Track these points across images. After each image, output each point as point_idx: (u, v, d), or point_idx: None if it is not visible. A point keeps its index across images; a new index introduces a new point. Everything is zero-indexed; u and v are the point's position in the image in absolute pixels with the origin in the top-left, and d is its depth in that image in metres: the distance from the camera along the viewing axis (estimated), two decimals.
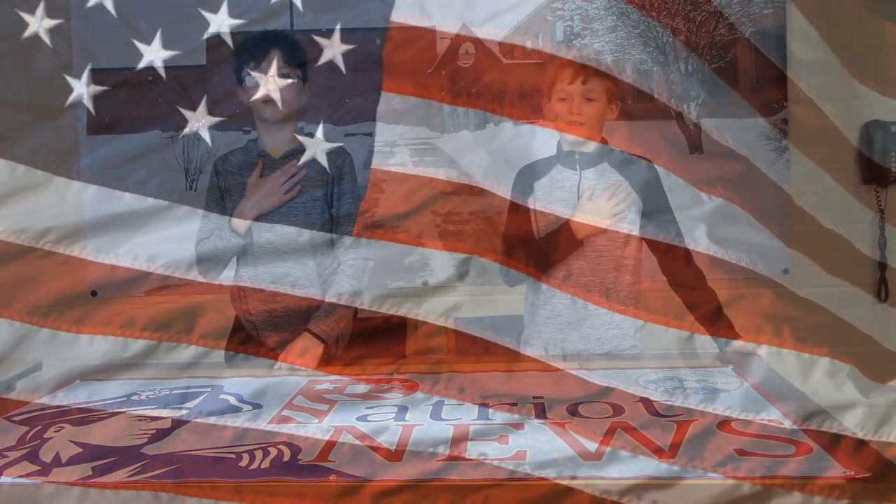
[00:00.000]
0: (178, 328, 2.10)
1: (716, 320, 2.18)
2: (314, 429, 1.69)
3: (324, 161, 2.23)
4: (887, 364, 2.06)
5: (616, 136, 2.33)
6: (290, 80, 2.22)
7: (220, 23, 2.06)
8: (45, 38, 2.01)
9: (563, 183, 2.28)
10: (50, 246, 2.11)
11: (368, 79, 2.27)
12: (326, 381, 2.05)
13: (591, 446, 1.55)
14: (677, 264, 2.23)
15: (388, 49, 2.26)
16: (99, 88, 2.09)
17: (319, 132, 2.21)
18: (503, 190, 2.33)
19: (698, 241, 2.22)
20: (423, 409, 1.80)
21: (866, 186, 2.90)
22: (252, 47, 2.20)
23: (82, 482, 1.47)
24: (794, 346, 2.10)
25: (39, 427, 1.76)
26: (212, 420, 1.77)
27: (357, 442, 1.60)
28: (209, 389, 2.00)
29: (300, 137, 2.24)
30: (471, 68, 2.89)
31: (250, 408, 1.86)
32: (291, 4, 2.23)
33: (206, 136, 2.15)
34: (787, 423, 1.64)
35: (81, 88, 2.09)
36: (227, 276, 2.37)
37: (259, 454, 1.56)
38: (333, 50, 2.09)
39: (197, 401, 1.92)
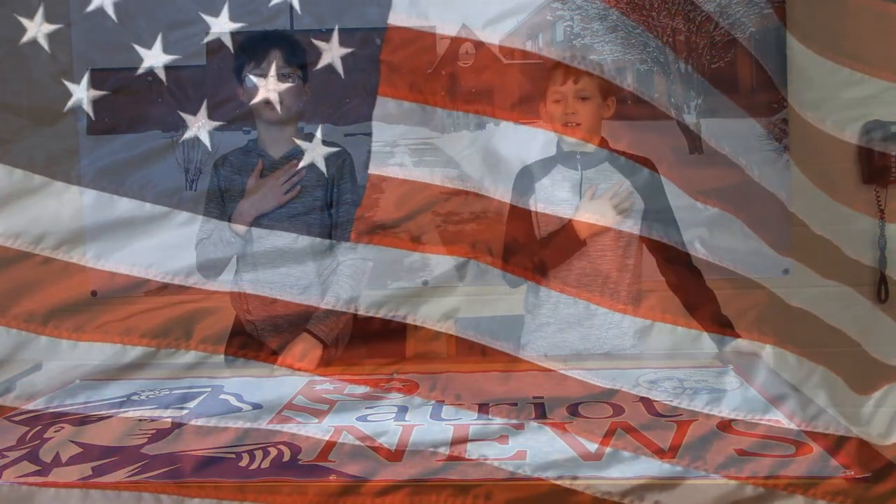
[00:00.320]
0: (176, 334, 2.10)
1: (715, 320, 2.18)
2: (314, 429, 1.69)
3: (322, 166, 2.23)
4: (882, 366, 2.07)
5: (616, 136, 2.33)
6: (290, 81, 2.22)
7: (221, 26, 2.06)
8: (44, 44, 2.01)
9: (565, 183, 2.28)
10: (49, 252, 2.11)
11: (368, 80, 2.27)
12: (326, 382, 2.05)
13: (592, 447, 1.55)
14: (676, 265, 2.23)
15: (386, 51, 2.26)
16: (98, 93, 2.09)
17: (317, 136, 2.21)
18: (503, 190, 2.33)
19: (696, 248, 2.22)
20: (423, 410, 1.80)
21: (866, 186, 2.89)
22: (253, 48, 2.20)
23: (82, 482, 1.47)
24: (793, 346, 2.10)
25: (39, 427, 1.76)
26: (212, 420, 1.76)
27: (357, 442, 1.60)
28: (209, 390, 2.00)
29: (298, 142, 2.24)
30: (471, 68, 2.89)
31: (250, 408, 1.86)
32: (291, 8, 2.22)
33: (206, 140, 2.15)
34: (788, 424, 1.64)
35: (81, 93, 2.09)
36: (227, 277, 2.37)
37: (259, 454, 1.56)
38: (332, 53, 2.09)
39: (197, 401, 1.92)
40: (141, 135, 2.69)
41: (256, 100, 2.20)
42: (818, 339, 2.15)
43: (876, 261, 2.85)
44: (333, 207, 2.31)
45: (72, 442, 1.65)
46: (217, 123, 2.14)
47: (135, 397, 1.96)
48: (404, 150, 2.86)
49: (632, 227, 2.26)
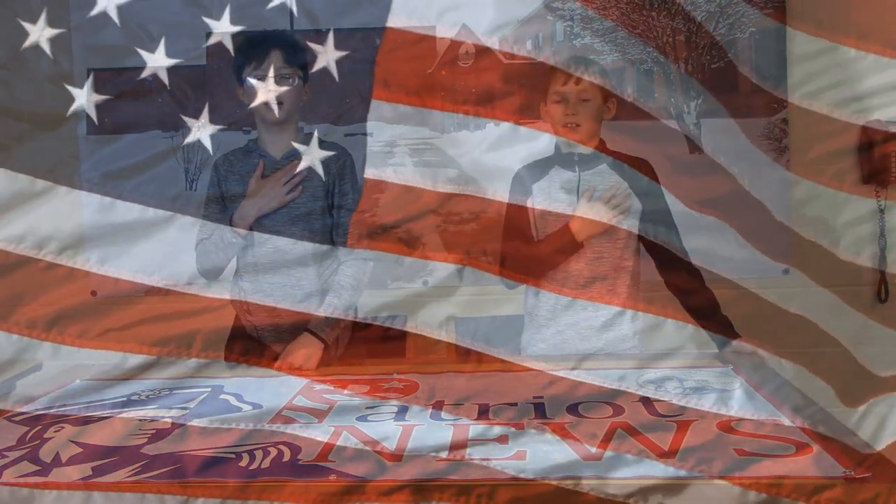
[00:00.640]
0: (178, 342, 2.11)
1: (715, 320, 2.18)
2: (314, 429, 1.69)
3: (319, 170, 2.23)
4: (872, 377, 2.07)
5: (615, 136, 2.33)
6: (290, 81, 2.22)
7: (223, 30, 2.06)
8: (46, 48, 2.02)
9: (563, 184, 2.28)
10: (52, 257, 2.11)
11: (365, 81, 2.27)
12: (326, 382, 2.05)
13: (591, 447, 1.55)
14: (675, 266, 2.23)
15: (381, 55, 2.26)
16: (101, 97, 2.10)
17: (314, 140, 2.20)
18: (502, 190, 2.33)
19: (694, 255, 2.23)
20: (423, 410, 1.80)
21: (866, 186, 2.90)
22: (253, 48, 2.20)
23: (83, 483, 1.47)
24: (788, 350, 2.10)
25: (39, 427, 1.76)
26: (212, 420, 1.77)
27: (357, 442, 1.60)
28: (209, 389, 2.00)
29: (296, 145, 2.23)
30: (471, 68, 2.89)
31: (250, 408, 1.86)
32: (292, 15, 2.23)
33: (208, 144, 2.15)
34: (788, 423, 1.64)
35: (84, 97, 2.09)
36: (227, 277, 2.37)
37: (259, 454, 1.56)
38: (327, 56, 2.09)
39: (197, 401, 1.92)
40: (141, 135, 2.69)
41: (257, 100, 2.20)
42: (814, 342, 2.15)
43: (876, 261, 2.85)
44: (335, 208, 2.31)
45: (72, 442, 1.65)
46: (219, 127, 2.15)
47: (135, 397, 1.96)
48: (404, 150, 2.86)
49: (630, 228, 2.26)
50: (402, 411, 1.79)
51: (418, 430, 1.67)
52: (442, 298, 2.71)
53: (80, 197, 2.28)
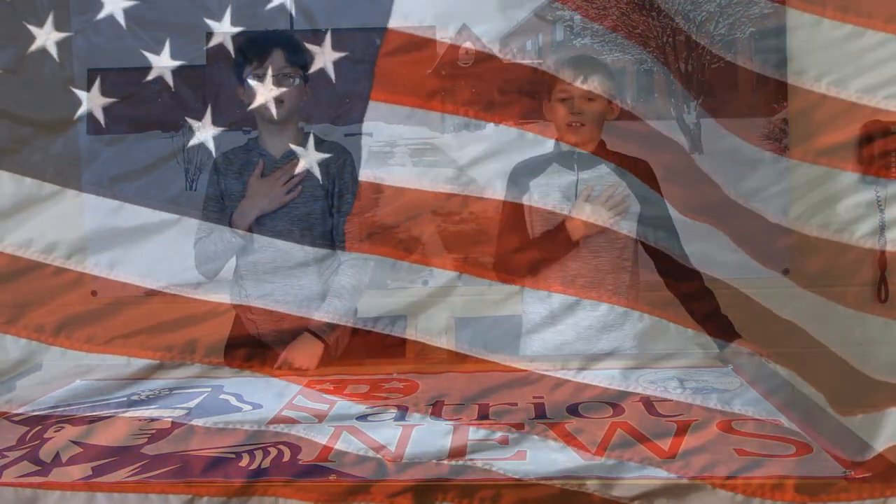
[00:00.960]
0: (182, 348, 2.12)
1: (715, 320, 2.18)
2: (314, 429, 1.69)
3: (317, 172, 2.22)
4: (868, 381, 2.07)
5: (615, 136, 2.33)
6: (291, 81, 2.22)
7: (224, 31, 2.06)
8: (53, 52, 2.02)
9: (561, 183, 2.28)
10: (60, 262, 2.12)
11: (365, 82, 2.27)
12: (326, 381, 2.05)
13: (591, 447, 1.55)
14: (675, 266, 2.23)
15: (382, 56, 2.26)
16: (108, 100, 2.10)
17: (310, 142, 2.20)
18: (501, 190, 2.33)
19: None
20: (423, 410, 1.80)
21: (866, 186, 2.89)
22: (254, 47, 2.20)
23: (85, 483, 1.47)
24: (792, 346, 2.10)
25: (39, 427, 1.76)
26: (212, 420, 1.77)
27: (357, 442, 1.60)
28: (209, 389, 2.00)
29: (294, 147, 2.23)
30: (470, 68, 2.89)
31: (250, 408, 1.86)
32: (292, 17, 2.23)
33: (211, 146, 2.16)
34: (788, 424, 1.64)
35: (92, 100, 2.10)
36: (228, 276, 2.37)
37: (259, 454, 1.56)
38: (325, 57, 2.09)
39: (197, 401, 1.92)
40: (141, 136, 2.69)
41: (257, 100, 2.20)
42: (813, 344, 2.15)
43: (876, 261, 2.85)
44: (335, 207, 2.31)
45: (72, 442, 1.65)
46: (221, 129, 2.15)
47: (135, 397, 1.96)
48: (404, 151, 2.86)
49: (628, 228, 2.26)
50: (402, 412, 1.79)
51: (418, 431, 1.67)
52: (442, 298, 2.71)
53: (86, 200, 2.29)
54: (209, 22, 2.07)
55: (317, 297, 2.29)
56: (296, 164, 2.26)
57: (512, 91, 2.84)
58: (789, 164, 2.83)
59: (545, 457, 1.51)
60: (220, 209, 2.31)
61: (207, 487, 1.45)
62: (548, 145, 2.32)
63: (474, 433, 1.64)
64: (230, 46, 2.08)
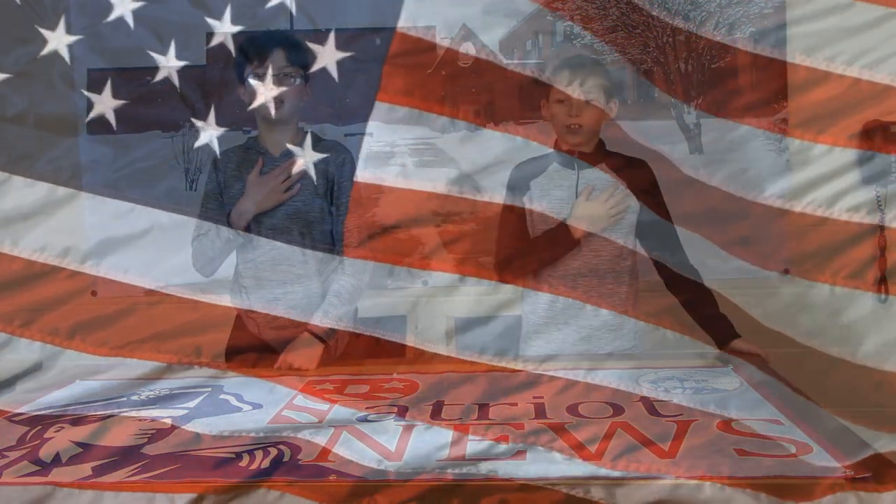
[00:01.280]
0: (191, 351, 2.13)
1: (714, 320, 2.19)
2: (314, 429, 1.69)
3: (312, 172, 2.22)
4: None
5: (615, 136, 2.33)
6: (292, 81, 2.22)
7: (225, 30, 2.07)
8: (65, 55, 2.03)
9: (561, 182, 2.28)
10: (76, 266, 2.13)
11: (366, 82, 2.27)
12: (326, 381, 2.05)
13: (591, 446, 1.55)
14: (674, 265, 2.23)
15: (390, 57, 2.27)
16: (119, 102, 2.11)
17: (307, 142, 2.20)
18: (500, 188, 2.33)
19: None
20: (423, 409, 1.80)
21: (866, 186, 2.89)
22: (255, 47, 2.20)
23: (88, 483, 1.47)
24: (793, 346, 2.10)
25: (39, 427, 1.76)
26: (212, 420, 1.77)
27: (357, 442, 1.60)
28: (209, 389, 2.00)
29: (291, 147, 2.23)
30: (470, 68, 2.89)
31: (250, 408, 1.86)
32: (292, 16, 2.23)
33: (215, 145, 2.16)
34: (787, 423, 1.64)
35: (103, 103, 2.11)
36: (227, 275, 2.37)
37: (259, 454, 1.56)
38: (326, 57, 2.09)
39: (197, 401, 1.92)
40: (142, 136, 2.69)
41: (257, 99, 2.20)
42: (817, 339, 2.15)
43: (876, 261, 2.85)
44: (334, 206, 2.31)
45: (72, 442, 1.65)
46: (224, 129, 2.16)
47: (135, 397, 1.96)
48: (404, 151, 2.85)
49: (628, 228, 2.26)
50: (402, 411, 1.79)
51: (418, 430, 1.67)
52: (442, 298, 2.72)
53: (87, 201, 2.30)
54: (210, 21, 2.07)
55: (317, 296, 2.29)
56: (294, 163, 2.27)
57: (512, 91, 2.84)
58: (790, 163, 2.83)
59: (543, 455, 1.51)
60: (218, 207, 2.31)
61: (211, 486, 1.45)
62: (548, 145, 2.33)
63: (474, 433, 1.64)
64: (231, 46, 2.08)
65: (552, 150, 2.32)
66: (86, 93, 2.13)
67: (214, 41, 2.09)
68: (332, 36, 2.09)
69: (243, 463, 1.53)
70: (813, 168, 2.47)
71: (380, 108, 2.28)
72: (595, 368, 2.03)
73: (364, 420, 1.74)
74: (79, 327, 2.15)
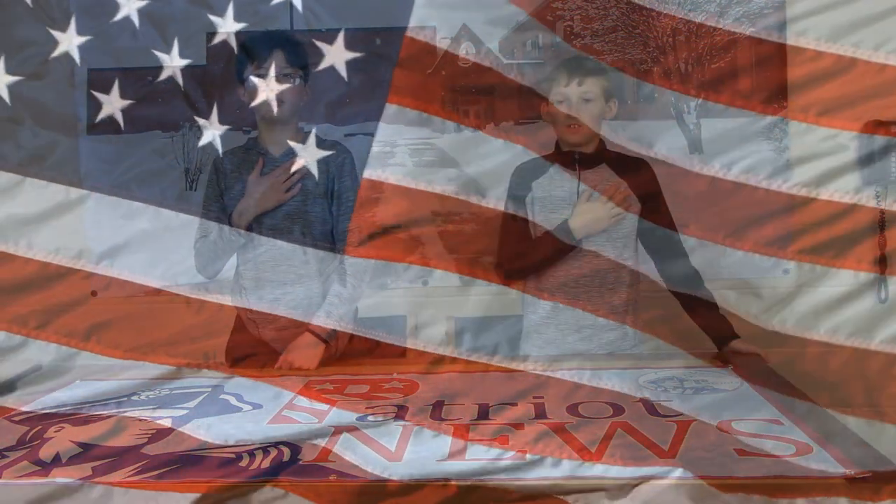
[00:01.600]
0: (196, 355, 2.13)
1: (714, 321, 2.19)
2: (314, 429, 1.69)
3: (314, 169, 2.22)
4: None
5: (615, 136, 2.33)
6: (291, 81, 2.22)
7: (228, 27, 2.07)
8: (75, 56, 2.03)
9: (562, 183, 2.28)
10: (91, 268, 2.13)
11: (370, 82, 2.27)
12: (326, 381, 2.05)
13: (592, 446, 1.55)
14: (674, 266, 2.23)
15: (401, 59, 2.27)
16: (126, 102, 2.11)
17: (311, 139, 2.20)
18: (502, 189, 2.33)
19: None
20: (423, 409, 1.80)
21: (867, 187, 2.89)
22: (255, 48, 2.20)
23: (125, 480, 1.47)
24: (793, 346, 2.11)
25: (39, 427, 1.76)
26: (212, 420, 1.77)
27: (357, 442, 1.60)
28: (209, 389, 2.00)
29: (293, 144, 2.23)
30: (471, 68, 2.89)
31: (250, 408, 1.86)
32: (291, 7, 2.23)
33: (218, 144, 2.17)
34: (787, 423, 1.64)
35: (111, 104, 2.11)
36: (227, 275, 2.37)
37: (259, 454, 1.56)
38: (335, 56, 2.09)
39: (197, 401, 1.92)
40: (142, 135, 2.70)
41: (258, 99, 2.20)
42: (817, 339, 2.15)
43: (876, 261, 2.85)
44: (334, 206, 2.31)
45: (72, 442, 1.65)
46: (227, 127, 2.16)
47: (135, 397, 1.96)
48: (404, 151, 2.85)
49: (628, 228, 2.26)
50: (402, 411, 1.79)
51: (418, 430, 1.67)
52: (442, 298, 2.72)
53: (88, 202, 2.30)
54: (212, 18, 2.07)
55: (317, 296, 2.29)
56: (295, 163, 2.27)
57: (512, 90, 2.84)
58: (790, 163, 2.83)
59: (543, 455, 1.51)
60: (219, 209, 2.31)
61: (211, 486, 1.45)
62: (549, 146, 2.33)
63: (474, 433, 1.64)
64: (233, 44, 2.08)
65: (553, 151, 2.32)
66: (96, 93, 2.13)
67: (217, 39, 2.09)
68: (341, 35, 2.09)
69: (243, 463, 1.53)
70: (813, 167, 2.47)
71: (376, 107, 2.28)
72: (595, 368, 2.04)
73: (364, 420, 1.74)
74: (94, 328, 2.16)
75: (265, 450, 1.58)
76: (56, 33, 2.04)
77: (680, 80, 2.92)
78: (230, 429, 1.71)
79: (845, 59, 2.31)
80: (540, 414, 1.74)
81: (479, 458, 1.52)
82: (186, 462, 1.54)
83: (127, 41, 2.11)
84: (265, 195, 2.27)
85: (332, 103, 2.51)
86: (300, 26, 2.35)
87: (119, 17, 2.03)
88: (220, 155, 2.32)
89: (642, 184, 2.26)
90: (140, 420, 1.78)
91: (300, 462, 1.53)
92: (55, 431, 1.72)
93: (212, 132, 2.14)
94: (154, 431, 1.71)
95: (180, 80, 2.09)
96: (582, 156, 2.28)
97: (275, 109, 2.21)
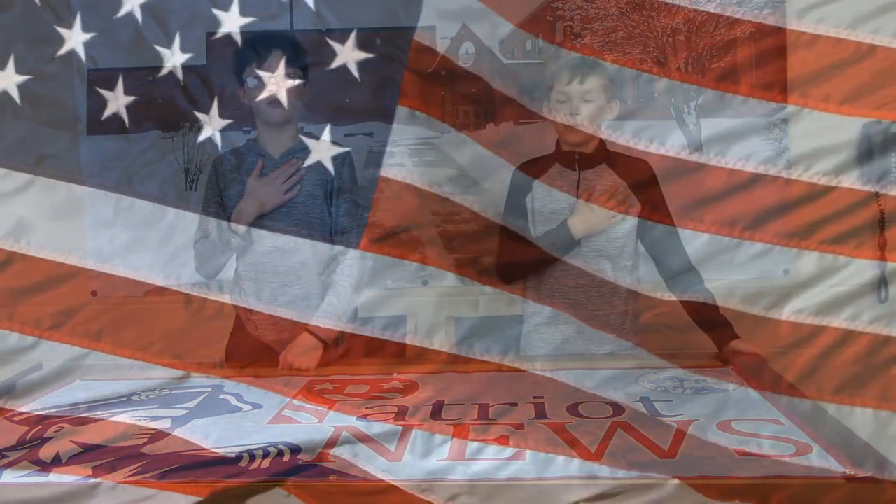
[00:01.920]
0: (196, 356, 2.14)
1: (714, 320, 2.19)
2: (314, 429, 1.69)
3: (329, 166, 2.23)
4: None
5: (615, 136, 2.33)
6: (293, 82, 2.22)
7: (232, 23, 2.07)
8: (81, 53, 2.03)
9: (562, 182, 2.28)
10: (100, 267, 2.14)
11: (374, 82, 2.27)
12: (326, 382, 2.05)
13: (592, 446, 1.55)
14: (674, 266, 2.23)
15: (412, 62, 2.27)
16: (130, 99, 2.11)
17: (326, 135, 2.20)
18: (501, 189, 2.33)
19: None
20: (423, 410, 1.80)
21: (866, 187, 2.89)
22: (255, 48, 2.20)
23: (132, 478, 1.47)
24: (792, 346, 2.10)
25: (39, 427, 1.76)
26: (212, 420, 1.77)
27: (357, 442, 1.60)
28: (209, 389, 2.00)
29: (306, 140, 2.23)
30: (471, 68, 2.89)
31: (250, 408, 1.86)
32: (291, 5, 2.23)
33: (218, 140, 2.17)
34: (787, 423, 1.64)
35: (116, 100, 2.11)
36: (227, 275, 2.37)
37: (259, 454, 1.56)
38: (346, 56, 2.09)
39: (197, 401, 1.92)
40: (142, 135, 2.69)
41: (260, 98, 2.20)
42: (817, 339, 2.15)
43: (876, 261, 2.85)
44: (333, 206, 2.31)
45: (72, 442, 1.65)
46: (227, 121, 2.16)
47: (135, 397, 1.96)
48: (404, 150, 2.85)
49: (628, 228, 2.26)
50: (401, 411, 1.79)
51: (418, 430, 1.67)
52: (442, 298, 2.72)
53: (88, 202, 2.30)
54: (216, 13, 2.07)
55: (316, 297, 2.29)
56: (294, 164, 2.27)
57: (512, 91, 2.84)
58: (790, 163, 2.83)
59: (544, 455, 1.51)
60: (219, 209, 2.31)
61: (211, 487, 1.45)
62: (550, 145, 2.33)
63: (474, 433, 1.64)
64: (237, 39, 2.08)
65: (554, 151, 2.32)
66: (100, 90, 2.13)
67: (219, 33, 2.09)
68: (352, 35, 2.09)
69: (243, 463, 1.53)
70: (813, 167, 2.47)
71: (376, 107, 2.28)
72: (596, 368, 2.04)
73: (364, 420, 1.74)
74: (104, 329, 2.16)
75: (265, 450, 1.58)
76: (63, 31, 2.04)
77: (680, 79, 2.92)
78: (230, 429, 1.71)
79: (865, 45, 2.31)
80: (540, 414, 1.74)
81: (479, 458, 1.52)
82: (186, 462, 1.54)
83: (129, 37, 2.11)
84: (265, 196, 2.27)
85: (334, 103, 2.51)
86: (300, 26, 2.35)
87: (122, 12, 2.03)
88: (220, 155, 2.33)
89: (642, 184, 2.26)
90: (140, 420, 1.78)
91: (300, 462, 1.53)
92: (55, 431, 1.72)
93: (211, 128, 2.14)
94: (154, 431, 1.71)
95: (180, 76, 2.09)
96: (582, 155, 2.28)
97: (274, 111, 2.21)
